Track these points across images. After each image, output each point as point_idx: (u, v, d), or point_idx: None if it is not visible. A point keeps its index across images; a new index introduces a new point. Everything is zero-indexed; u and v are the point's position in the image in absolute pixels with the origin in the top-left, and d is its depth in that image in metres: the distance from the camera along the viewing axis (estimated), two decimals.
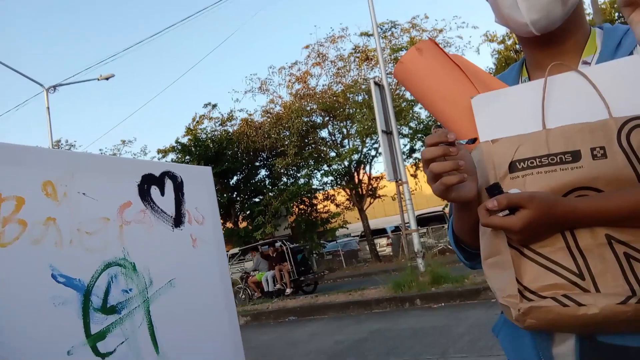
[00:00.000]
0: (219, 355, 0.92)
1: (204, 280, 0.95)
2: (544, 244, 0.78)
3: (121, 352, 0.79)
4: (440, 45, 1.01)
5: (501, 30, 17.89)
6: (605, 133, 0.78)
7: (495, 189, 0.77)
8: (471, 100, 0.91)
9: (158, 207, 0.93)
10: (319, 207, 20.82)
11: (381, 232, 21.32)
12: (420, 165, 18.52)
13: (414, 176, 18.32)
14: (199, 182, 1.03)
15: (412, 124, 17.57)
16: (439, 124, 0.96)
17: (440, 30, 17.43)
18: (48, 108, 15.28)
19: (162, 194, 0.95)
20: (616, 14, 14.69)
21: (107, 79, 15.70)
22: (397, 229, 19.68)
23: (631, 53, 0.85)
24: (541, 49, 0.93)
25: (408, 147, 18.12)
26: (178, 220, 0.95)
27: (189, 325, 0.89)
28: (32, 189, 0.78)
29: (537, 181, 0.79)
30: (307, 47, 18.77)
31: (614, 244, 0.75)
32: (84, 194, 0.84)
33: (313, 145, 18.78)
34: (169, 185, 0.97)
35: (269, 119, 18.98)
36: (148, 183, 0.94)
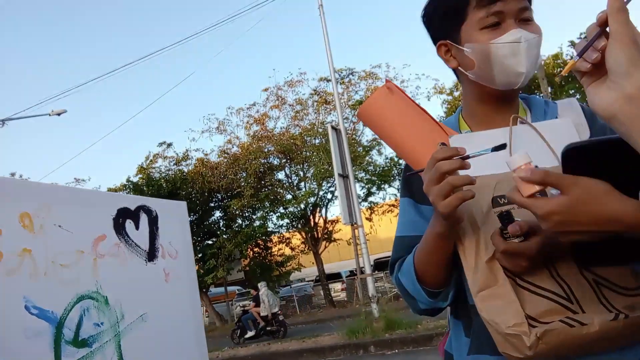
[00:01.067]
0: None
1: (176, 315, 0.95)
2: (532, 273, 0.83)
3: None
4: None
5: (448, 83, 18.95)
6: None
7: (507, 217, 0.81)
8: (449, 140, 0.96)
9: (132, 241, 0.94)
10: (273, 250, 20.57)
11: (336, 277, 21.20)
12: (376, 209, 18.84)
13: (369, 220, 18.55)
14: (174, 216, 1.04)
15: (369, 168, 17.99)
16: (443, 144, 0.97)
17: (402, 82, 18.17)
18: None
19: (137, 227, 0.96)
20: (558, 69, 15.90)
21: (59, 114, 15.18)
22: (352, 273, 19.64)
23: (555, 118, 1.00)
24: (495, 103, 1.01)
25: (364, 191, 18.44)
26: (152, 255, 0.96)
27: (160, 359, 0.88)
28: (9, 220, 0.77)
29: (517, 215, 0.84)
30: (266, 89, 19.08)
31: (584, 272, 0.84)
32: (59, 226, 0.84)
33: (269, 187, 18.76)
34: (143, 219, 0.98)
35: (225, 159, 18.88)
36: (123, 217, 0.95)
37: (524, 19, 0.94)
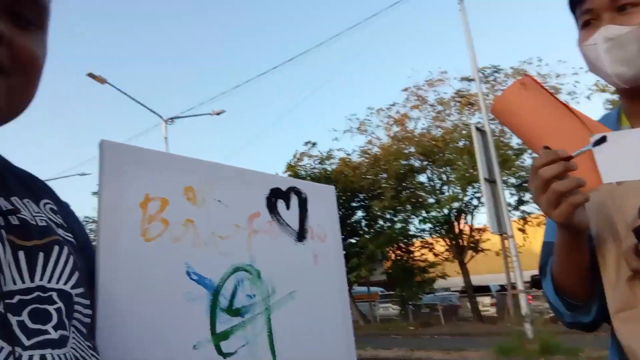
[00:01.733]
0: None
1: (324, 297, 0.93)
2: None
3: (241, 355, 0.80)
4: (540, 82, 0.97)
5: None
6: None
7: None
8: (591, 139, 0.84)
9: (283, 220, 0.95)
10: (415, 254, 20.17)
11: (484, 290, 19.89)
12: (530, 219, 17.28)
13: (522, 231, 17.07)
14: (322, 200, 1.03)
15: (521, 174, 16.58)
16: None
17: (557, 76, 16.46)
18: (166, 138, 16.38)
19: (288, 207, 0.97)
20: None
21: (218, 114, 16.61)
22: (502, 288, 18.27)
23: None
24: (637, 100, 0.91)
25: (515, 198, 17.04)
26: (301, 235, 0.96)
27: (307, 338, 0.88)
28: (175, 192, 0.82)
29: None
30: (405, 90, 18.80)
31: None
32: (219, 201, 0.87)
33: (411, 190, 18.44)
34: (294, 200, 0.99)
35: (366, 160, 19.06)
36: (275, 196, 0.96)
37: (622, 7, 0.84)
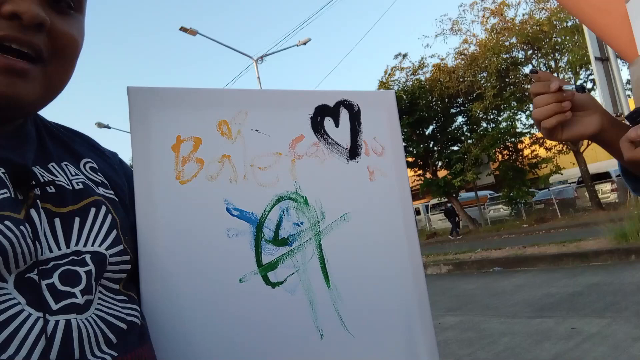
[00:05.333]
0: (398, 292, 0.83)
1: (382, 214, 0.86)
2: None
3: (291, 283, 0.77)
4: None
5: None
6: None
7: (637, 116, 0.68)
8: (626, 6, 0.78)
9: (332, 140, 0.86)
10: (525, 152, 18.97)
11: (604, 177, 18.32)
12: None
13: None
14: (379, 109, 0.92)
15: None
16: (534, 67, 0.81)
17: None
18: (258, 77, 16.64)
19: (337, 125, 0.88)
20: None
21: (305, 43, 16.28)
22: None
23: None
24: None
25: None
26: (354, 152, 0.87)
27: (364, 260, 0.83)
28: (209, 129, 0.78)
29: None
30: None
31: None
32: (257, 130, 0.81)
33: (515, 85, 16.96)
34: (344, 115, 0.89)
35: (463, 61, 17.74)
36: (322, 115, 0.88)
37: None
